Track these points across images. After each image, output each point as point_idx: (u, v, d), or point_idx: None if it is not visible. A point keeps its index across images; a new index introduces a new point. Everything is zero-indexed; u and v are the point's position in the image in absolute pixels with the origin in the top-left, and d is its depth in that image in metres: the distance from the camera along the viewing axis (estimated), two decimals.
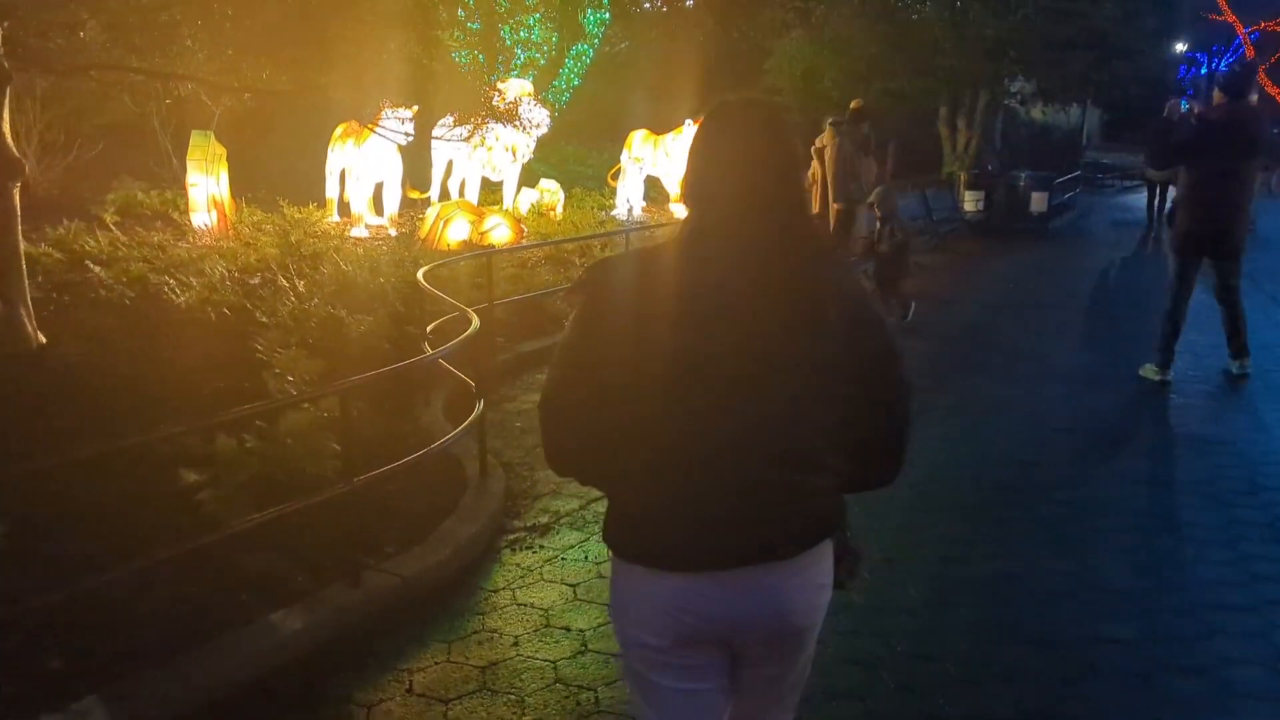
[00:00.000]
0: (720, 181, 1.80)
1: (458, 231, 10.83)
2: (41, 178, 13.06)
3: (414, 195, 13.42)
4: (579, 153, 21.01)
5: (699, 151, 1.84)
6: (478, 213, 11.18)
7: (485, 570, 4.26)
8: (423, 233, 10.87)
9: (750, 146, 1.80)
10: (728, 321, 1.72)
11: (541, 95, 20.32)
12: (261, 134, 14.67)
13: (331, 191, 12.24)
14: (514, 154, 12.35)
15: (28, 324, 5.16)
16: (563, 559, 4.34)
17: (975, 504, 5.04)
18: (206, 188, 9.98)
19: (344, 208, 12.04)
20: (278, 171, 13.76)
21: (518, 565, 4.31)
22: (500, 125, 11.24)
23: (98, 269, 7.39)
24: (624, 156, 14.93)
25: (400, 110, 10.59)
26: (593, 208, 15.33)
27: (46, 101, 12.64)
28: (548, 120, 12.03)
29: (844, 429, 1.80)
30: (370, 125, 9.91)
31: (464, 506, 4.67)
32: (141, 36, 7.66)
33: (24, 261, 7.99)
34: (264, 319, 6.21)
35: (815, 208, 10.94)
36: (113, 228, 9.42)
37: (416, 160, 13.48)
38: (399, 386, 5.69)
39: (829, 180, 10.68)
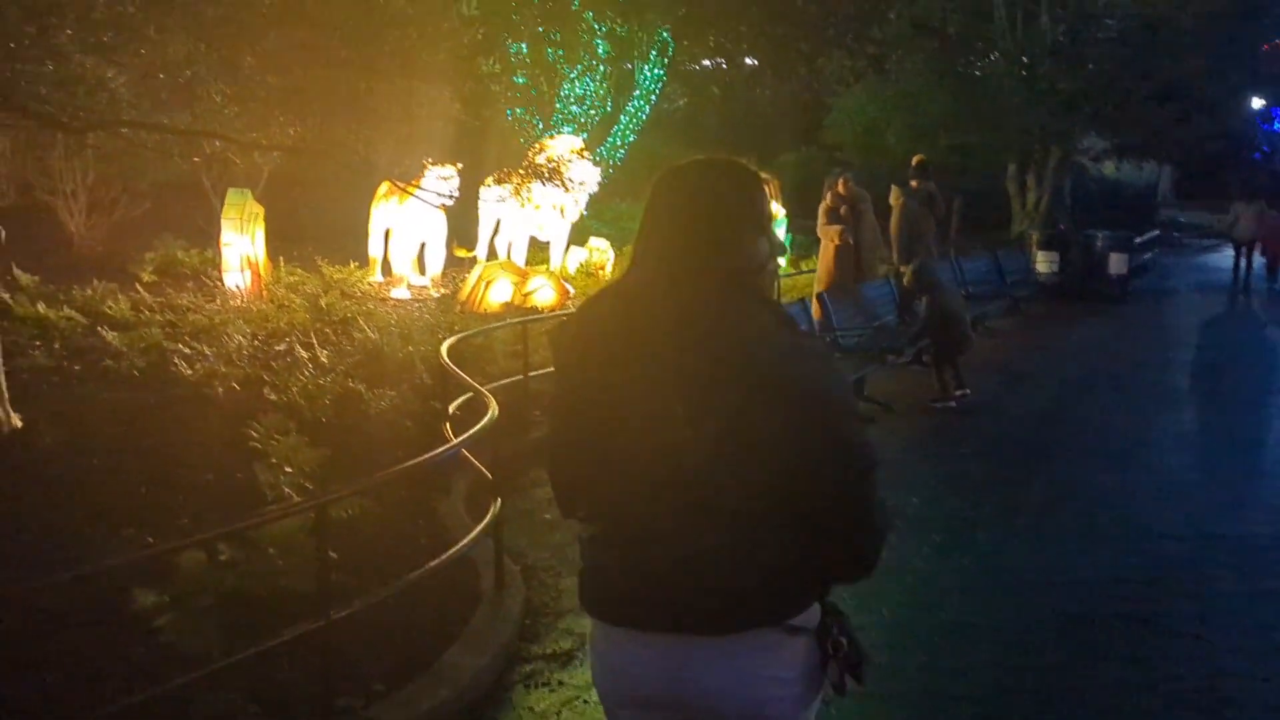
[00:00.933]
0: (645, 240, 1.83)
1: (500, 293, 10.31)
2: (88, 235, 12.90)
3: (461, 254, 12.99)
4: (633, 209, 20.53)
5: (644, 213, 1.86)
6: (521, 274, 10.65)
7: (491, 717, 3.57)
8: (463, 295, 10.36)
9: (669, 209, 1.81)
10: (641, 378, 1.72)
11: (595, 151, 20.01)
12: (309, 190, 14.43)
13: (375, 250, 11.81)
14: (562, 213, 11.84)
15: None
16: (584, 701, 3.63)
17: (1082, 642, 4.21)
18: (240, 247, 9.59)
19: (387, 267, 11.62)
20: (324, 229, 13.46)
21: (531, 709, 3.61)
22: (543, 184, 10.80)
23: (112, 335, 6.95)
24: None
25: (442, 169, 10.17)
26: None
27: (98, 158, 12.47)
28: (596, 179, 11.53)
29: (782, 500, 1.69)
30: (407, 187, 9.51)
31: (473, 629, 4.00)
32: (169, 92, 7.31)
33: (32, 326, 7.62)
34: (273, 396, 5.66)
35: (826, 273, 9.88)
36: (140, 289, 9.03)
37: (464, 218, 13.09)
38: (414, 475, 5.06)
39: (893, 243, 9.96)
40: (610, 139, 19.99)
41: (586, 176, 11.50)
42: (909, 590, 4.58)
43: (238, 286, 9.57)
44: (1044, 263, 15.45)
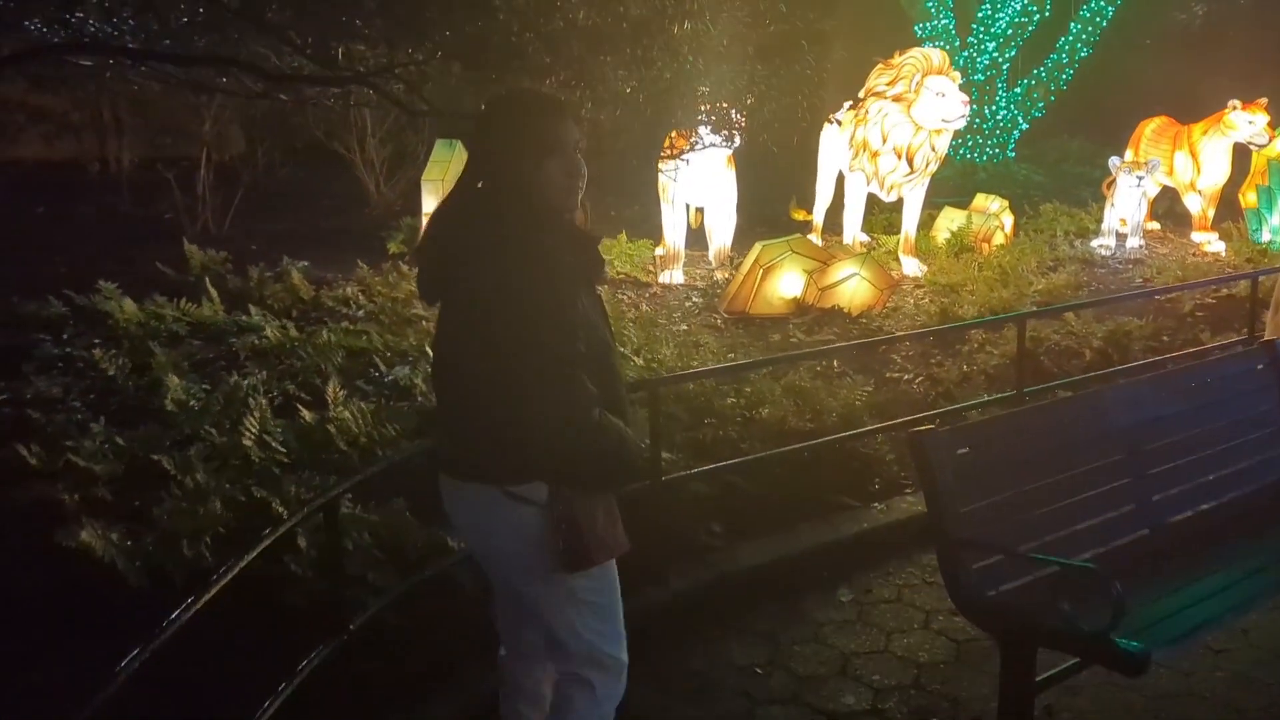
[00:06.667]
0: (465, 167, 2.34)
1: (788, 286, 7.03)
2: (387, 193, 11.67)
3: (799, 218, 9.80)
4: (1086, 149, 15.37)
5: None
6: (821, 257, 7.23)
7: None
8: (732, 287, 7.22)
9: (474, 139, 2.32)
10: (442, 276, 2.24)
11: (1032, 73, 15.23)
12: (635, 143, 11.96)
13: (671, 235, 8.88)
14: (910, 161, 8.06)
15: None
16: None
17: None
18: None
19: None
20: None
21: None
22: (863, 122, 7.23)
23: (108, 359, 4.92)
24: (1115, 160, 9.72)
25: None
26: (1064, 233, 10.31)
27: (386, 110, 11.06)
28: (962, 111, 7.61)
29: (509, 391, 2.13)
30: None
31: None
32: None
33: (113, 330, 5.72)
34: (69, 541, 3.10)
35: None
36: (295, 273, 7.09)
37: (804, 169, 9.85)
38: None
39: None
40: (1053, 56, 15.06)
41: (948, 109, 7.62)
42: None
43: None
44: None
